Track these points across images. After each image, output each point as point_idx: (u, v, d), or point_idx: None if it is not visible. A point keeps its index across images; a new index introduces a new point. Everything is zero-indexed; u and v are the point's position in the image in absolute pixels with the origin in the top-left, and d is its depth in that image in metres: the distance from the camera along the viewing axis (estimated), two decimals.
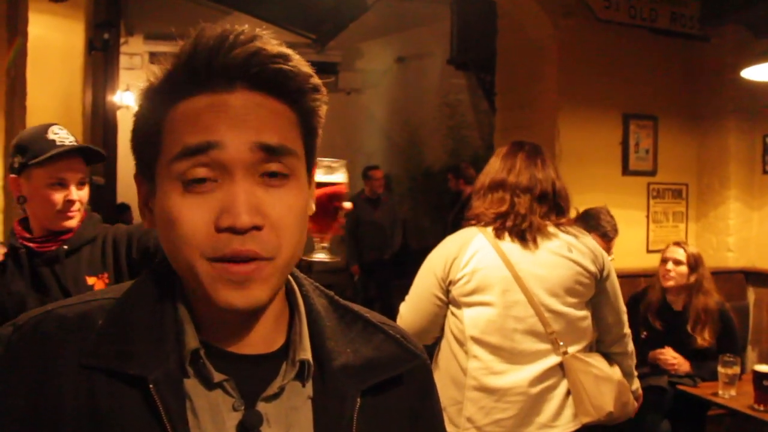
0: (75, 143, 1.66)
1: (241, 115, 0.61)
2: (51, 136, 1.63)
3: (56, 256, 1.67)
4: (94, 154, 1.71)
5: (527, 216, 1.84)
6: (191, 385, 0.64)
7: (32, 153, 1.61)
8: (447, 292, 1.88)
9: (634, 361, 2.03)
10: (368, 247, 6.02)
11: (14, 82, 2.86)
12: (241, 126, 0.61)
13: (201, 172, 0.60)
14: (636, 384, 2.03)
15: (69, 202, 1.64)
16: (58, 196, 1.63)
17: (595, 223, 3.00)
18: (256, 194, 0.61)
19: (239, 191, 0.60)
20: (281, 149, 0.62)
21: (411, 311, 1.94)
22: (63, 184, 1.64)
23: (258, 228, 0.60)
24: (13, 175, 1.66)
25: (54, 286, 1.65)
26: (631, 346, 2.02)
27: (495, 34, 4.79)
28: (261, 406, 0.65)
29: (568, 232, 1.88)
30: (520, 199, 1.86)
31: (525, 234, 1.84)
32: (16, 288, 1.65)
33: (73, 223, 1.67)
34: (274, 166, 0.62)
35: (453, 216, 5.46)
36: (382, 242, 6.09)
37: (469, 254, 1.84)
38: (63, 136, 1.65)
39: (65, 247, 1.67)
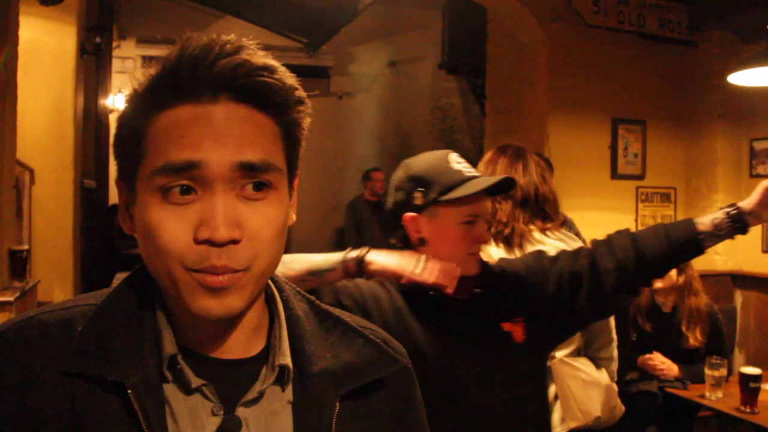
0: (477, 173, 1.40)
1: (224, 130, 0.61)
2: (455, 165, 1.38)
3: (473, 303, 1.40)
4: (507, 185, 1.39)
5: (509, 222, 1.84)
6: (170, 390, 0.64)
7: (442, 187, 1.35)
8: None
9: (617, 366, 2.05)
10: None
11: (5, 86, 2.86)
12: (223, 142, 0.61)
13: (182, 184, 0.61)
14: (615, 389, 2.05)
15: (479, 243, 1.39)
16: (470, 236, 1.36)
17: None
18: (235, 207, 0.61)
19: (218, 204, 0.60)
20: (263, 166, 0.62)
21: None
22: (473, 222, 1.37)
23: (235, 241, 0.61)
24: (411, 214, 1.39)
25: (468, 335, 1.38)
26: (616, 352, 2.04)
27: (486, 38, 4.82)
28: (240, 411, 0.65)
29: (556, 237, 1.88)
30: (501, 205, 1.85)
31: (509, 240, 1.83)
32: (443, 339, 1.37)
33: (477, 266, 1.41)
34: (255, 181, 0.62)
35: None
36: (383, 244, 6.07)
37: None
38: (465, 165, 1.41)
39: (477, 290, 1.41)
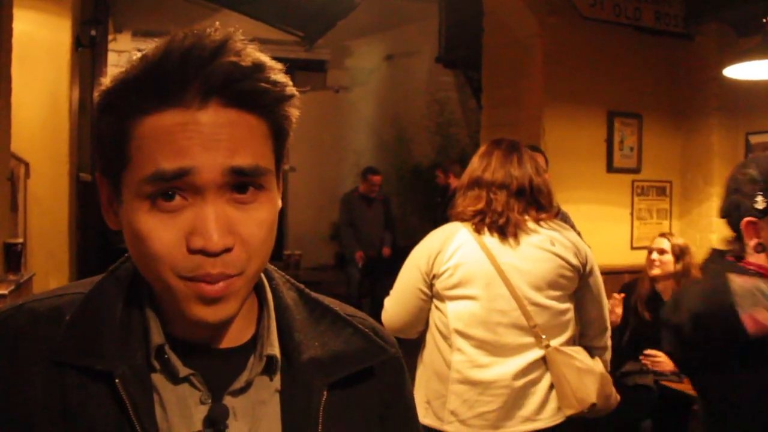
0: None
1: (214, 135, 0.59)
2: None
3: None
4: None
5: (504, 212, 1.86)
6: (158, 379, 0.64)
7: None
8: (431, 286, 1.90)
9: (610, 356, 2.06)
10: (362, 244, 6.04)
11: None
12: (214, 148, 0.59)
13: (172, 192, 0.60)
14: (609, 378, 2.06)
15: None
16: None
17: None
18: (227, 213, 0.60)
19: (210, 212, 0.59)
20: (254, 171, 0.61)
21: (395, 306, 1.97)
22: None
23: (229, 249, 0.60)
24: (750, 219, 1.32)
25: None
26: (609, 341, 2.05)
27: (482, 32, 4.81)
28: (228, 400, 0.65)
29: (549, 227, 1.90)
30: (497, 195, 1.88)
31: (504, 229, 1.86)
32: None
33: None
34: (245, 186, 0.61)
35: (440, 212, 5.50)
36: (376, 239, 6.11)
37: (453, 248, 1.87)
38: None
39: None
